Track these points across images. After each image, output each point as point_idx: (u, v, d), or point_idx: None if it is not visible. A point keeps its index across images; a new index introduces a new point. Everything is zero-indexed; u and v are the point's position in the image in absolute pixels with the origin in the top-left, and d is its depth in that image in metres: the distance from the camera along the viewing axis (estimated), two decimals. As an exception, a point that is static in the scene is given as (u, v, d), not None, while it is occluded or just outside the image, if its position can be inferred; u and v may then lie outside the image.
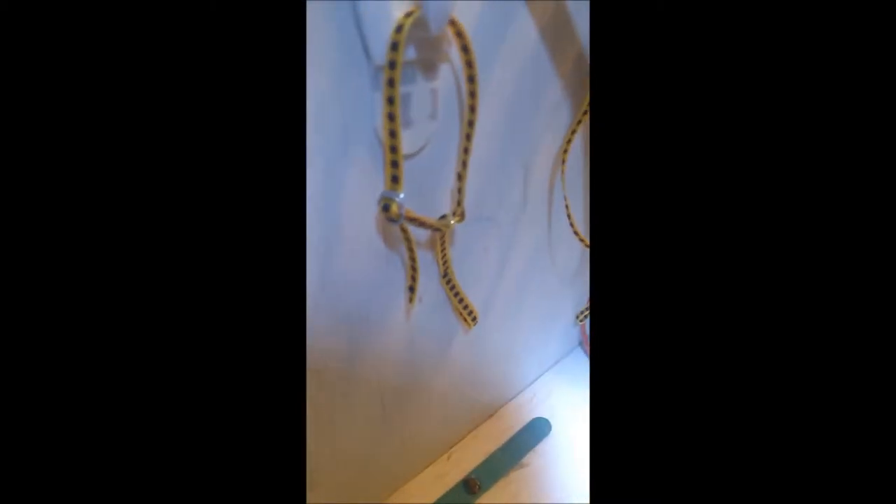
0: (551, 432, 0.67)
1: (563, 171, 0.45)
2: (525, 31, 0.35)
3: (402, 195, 0.30)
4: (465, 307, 0.46)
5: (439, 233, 0.38)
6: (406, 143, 0.32)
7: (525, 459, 0.63)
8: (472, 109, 0.32)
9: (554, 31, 0.37)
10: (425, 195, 0.36)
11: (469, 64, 0.30)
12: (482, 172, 0.40)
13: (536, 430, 0.66)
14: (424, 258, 0.40)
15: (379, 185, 0.33)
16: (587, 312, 0.69)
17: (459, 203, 0.36)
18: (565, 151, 0.44)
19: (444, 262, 0.41)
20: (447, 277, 0.43)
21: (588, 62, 0.41)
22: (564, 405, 0.70)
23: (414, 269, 0.38)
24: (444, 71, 0.32)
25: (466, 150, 0.34)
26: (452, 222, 0.36)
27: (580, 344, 0.76)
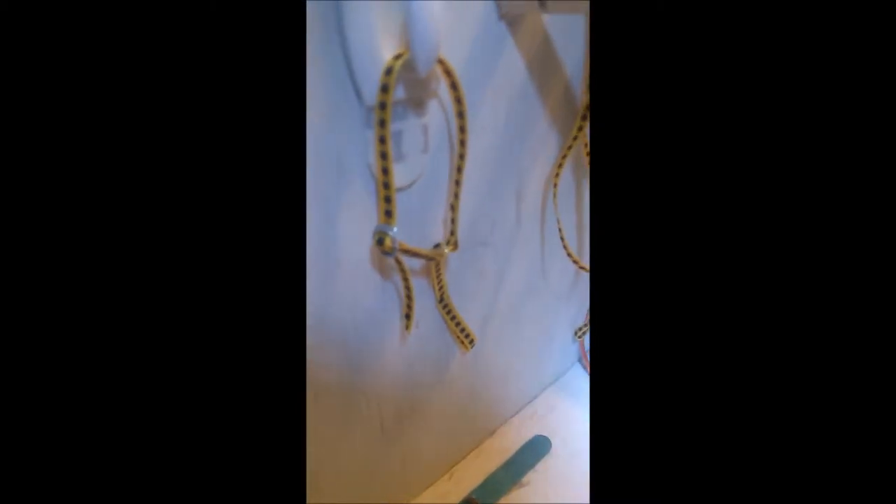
0: (552, 449, 0.67)
1: (555, 196, 0.46)
2: (513, 63, 0.36)
3: (395, 229, 0.31)
4: (462, 330, 0.47)
5: (433, 261, 0.39)
6: (399, 176, 0.33)
7: (525, 478, 0.63)
8: (463, 143, 0.33)
9: (541, 64, 0.38)
10: (419, 224, 0.37)
11: (458, 100, 0.31)
12: (475, 199, 0.41)
13: (536, 448, 0.66)
14: (420, 284, 0.41)
15: (373, 217, 0.34)
16: (585, 329, 0.70)
17: (453, 233, 0.37)
18: (556, 175, 0.45)
19: (440, 288, 0.42)
20: (443, 302, 0.43)
21: (574, 91, 0.42)
22: (565, 421, 0.70)
23: (409, 297, 0.38)
24: (434, 105, 0.33)
25: (458, 182, 0.35)
26: (446, 251, 0.37)
27: (579, 360, 0.77)
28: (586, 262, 0.55)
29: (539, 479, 0.64)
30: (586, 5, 0.30)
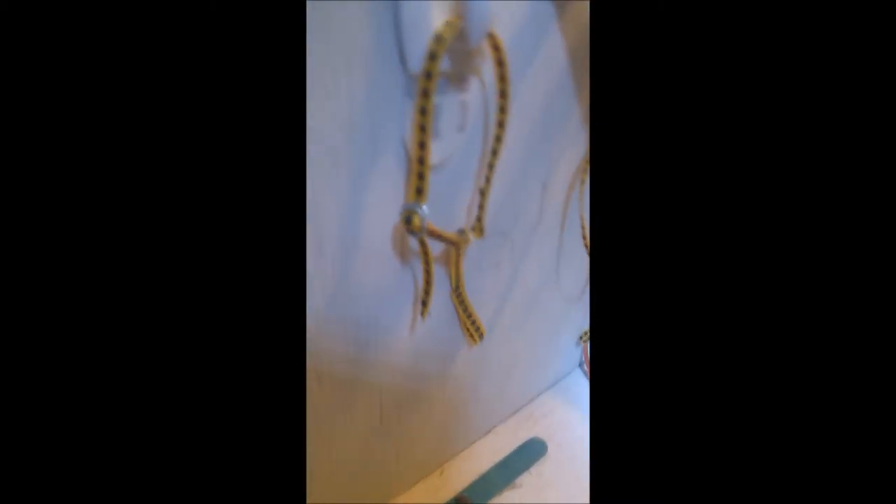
0: (547, 453, 0.66)
1: (581, 191, 0.45)
2: (555, 51, 0.35)
3: (425, 208, 0.30)
4: (473, 322, 0.46)
5: (455, 247, 0.37)
6: (432, 153, 0.31)
7: (518, 480, 0.62)
8: (501, 125, 0.31)
9: (582, 55, 0.36)
10: (443, 207, 0.36)
11: (502, 78, 0.29)
12: (501, 187, 0.39)
13: (531, 451, 0.65)
14: (435, 271, 0.39)
15: (400, 195, 0.32)
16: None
17: (480, 219, 0.35)
18: (585, 171, 0.44)
19: (457, 276, 0.40)
20: (458, 291, 0.42)
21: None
22: (562, 426, 0.69)
23: (428, 283, 0.37)
24: (475, 83, 0.31)
25: (491, 166, 0.33)
26: (471, 237, 0.35)
27: (581, 364, 0.76)
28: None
29: (532, 481, 0.63)
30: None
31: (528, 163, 0.40)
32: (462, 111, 0.31)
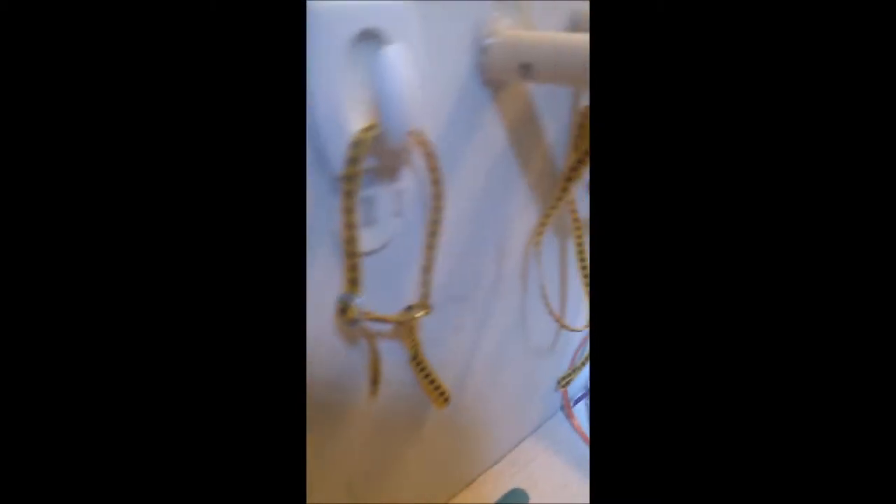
0: (529, 503, 0.64)
1: (537, 257, 0.45)
2: (495, 126, 0.35)
3: (360, 298, 0.30)
4: (437, 388, 0.45)
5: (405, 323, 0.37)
6: (371, 239, 0.32)
7: (500, 534, 0.61)
8: (437, 209, 0.32)
9: (524, 128, 0.37)
10: (390, 285, 0.36)
11: (433, 169, 0.30)
12: (454, 255, 0.39)
13: (513, 502, 0.64)
14: (390, 343, 0.39)
15: (338, 282, 0.32)
16: (570, 378, 0.68)
17: (425, 296, 0.35)
18: (539, 234, 0.44)
19: (413, 347, 0.40)
20: (417, 359, 0.42)
21: (556, 156, 0.41)
22: (544, 473, 0.68)
23: (375, 363, 0.37)
24: (406, 171, 0.32)
25: (432, 247, 0.33)
26: (417, 315, 0.35)
27: (562, 408, 0.75)
28: (569, 321, 0.54)
29: (513, 536, 0.61)
30: (572, 77, 0.29)
31: (479, 229, 0.40)
32: (397, 197, 0.31)
